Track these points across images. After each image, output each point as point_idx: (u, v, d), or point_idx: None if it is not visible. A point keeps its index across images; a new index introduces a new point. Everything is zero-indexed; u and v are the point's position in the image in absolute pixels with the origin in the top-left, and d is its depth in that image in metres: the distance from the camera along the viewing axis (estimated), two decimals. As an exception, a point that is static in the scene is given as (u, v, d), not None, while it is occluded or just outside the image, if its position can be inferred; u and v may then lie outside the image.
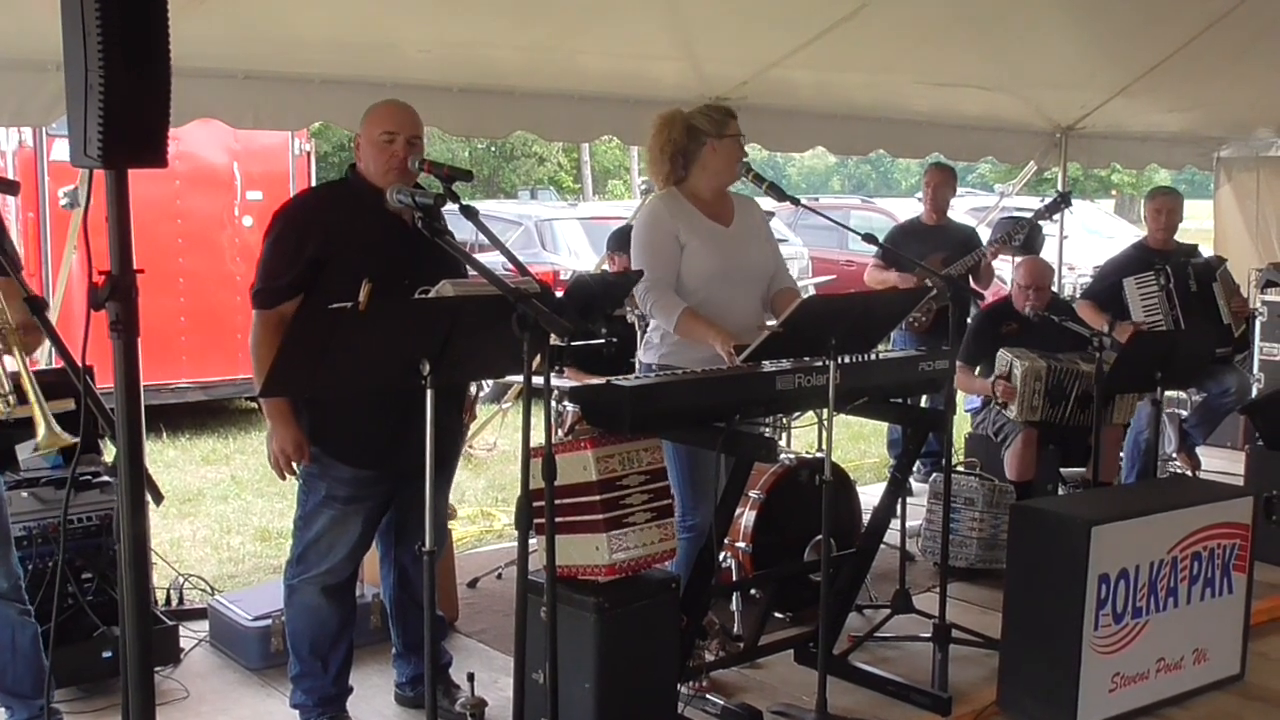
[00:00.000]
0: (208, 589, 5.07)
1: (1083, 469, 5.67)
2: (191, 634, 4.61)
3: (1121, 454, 6.24)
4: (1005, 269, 7.78)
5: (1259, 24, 6.20)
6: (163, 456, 7.93)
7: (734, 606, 4.56)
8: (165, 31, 2.09)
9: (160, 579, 4.89)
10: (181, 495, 7.03)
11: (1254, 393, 7.12)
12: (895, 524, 4.71)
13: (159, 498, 2.36)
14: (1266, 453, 5.81)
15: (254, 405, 8.24)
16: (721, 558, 4.41)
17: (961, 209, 10.33)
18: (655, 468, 3.47)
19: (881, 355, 4.22)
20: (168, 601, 4.88)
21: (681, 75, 5.78)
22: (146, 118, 2.09)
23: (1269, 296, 8.50)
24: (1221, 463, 6.89)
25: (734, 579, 4.62)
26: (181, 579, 5.03)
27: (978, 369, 6.06)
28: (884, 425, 7.22)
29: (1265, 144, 9.29)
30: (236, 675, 4.34)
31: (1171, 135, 8.64)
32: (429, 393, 2.81)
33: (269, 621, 4.33)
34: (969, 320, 6.43)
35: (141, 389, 2.24)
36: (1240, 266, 8.16)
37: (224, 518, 6.70)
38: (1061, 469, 5.95)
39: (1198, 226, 11.28)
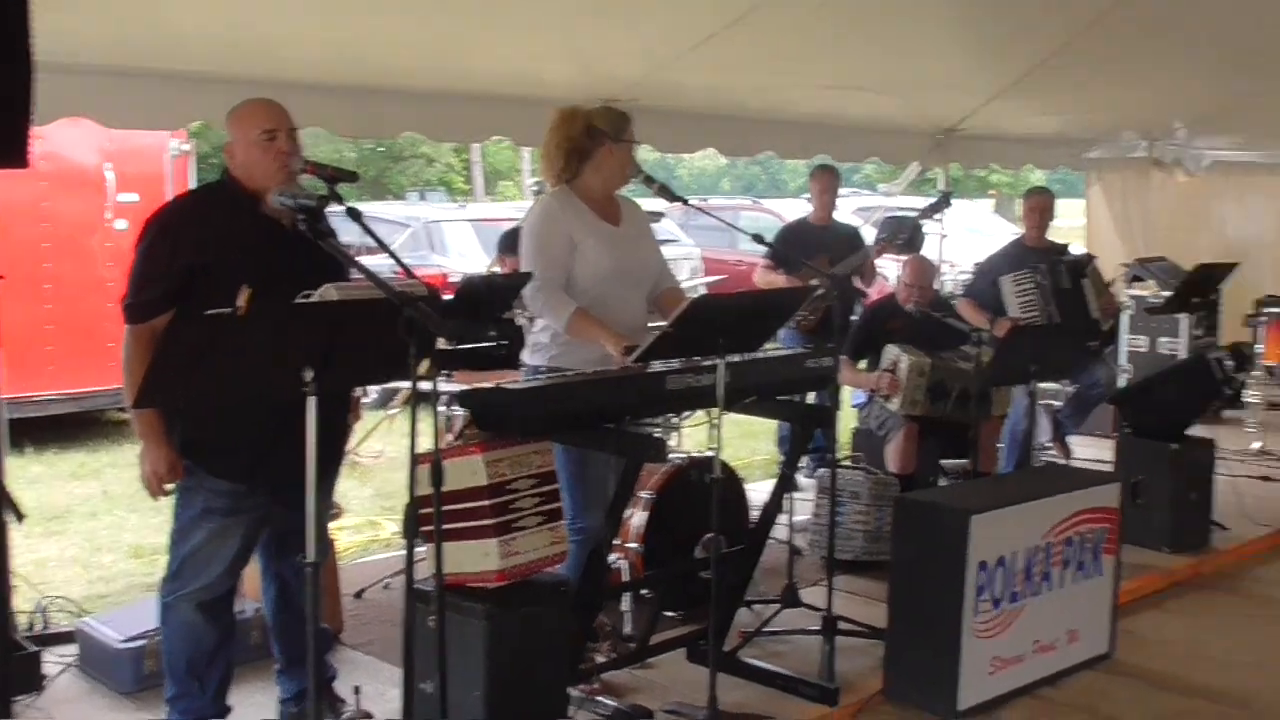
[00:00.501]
0: (75, 611, 4.84)
1: (963, 460, 5.84)
2: (57, 659, 4.38)
3: (1000, 444, 6.43)
4: (889, 267, 7.96)
5: (1123, 34, 6.43)
6: (26, 472, 7.55)
7: (625, 607, 4.57)
8: (26, 25, 2.02)
9: (23, 602, 4.60)
10: (47, 513, 6.75)
11: (1122, 383, 7.40)
12: (783, 519, 4.79)
13: (20, 516, 2.28)
14: (1134, 440, 6.04)
15: (127, 417, 8.02)
16: (612, 559, 4.42)
17: (847, 209, 10.51)
18: (545, 471, 3.47)
19: (769, 353, 4.28)
20: (31, 626, 4.62)
21: (572, 76, 5.78)
22: (5, 116, 2.02)
23: (1136, 291, 8.86)
24: (1092, 450, 7.15)
25: (625, 580, 4.64)
26: (46, 601, 4.77)
27: (863, 364, 6.19)
28: (773, 423, 7.32)
29: (1131, 146, 9.64)
30: (107, 700, 4.16)
31: (1045, 137, 8.90)
32: (311, 400, 2.75)
33: (143, 642, 4.16)
34: (854, 318, 6.57)
35: (1, 401, 2.17)
36: (1110, 263, 8.48)
37: (94, 535, 6.48)
38: (942, 461, 6.11)
39: (1071, 225, 11.66)
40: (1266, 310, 9.39)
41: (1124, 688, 4.39)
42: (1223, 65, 7.62)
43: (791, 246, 6.58)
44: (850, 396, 6.56)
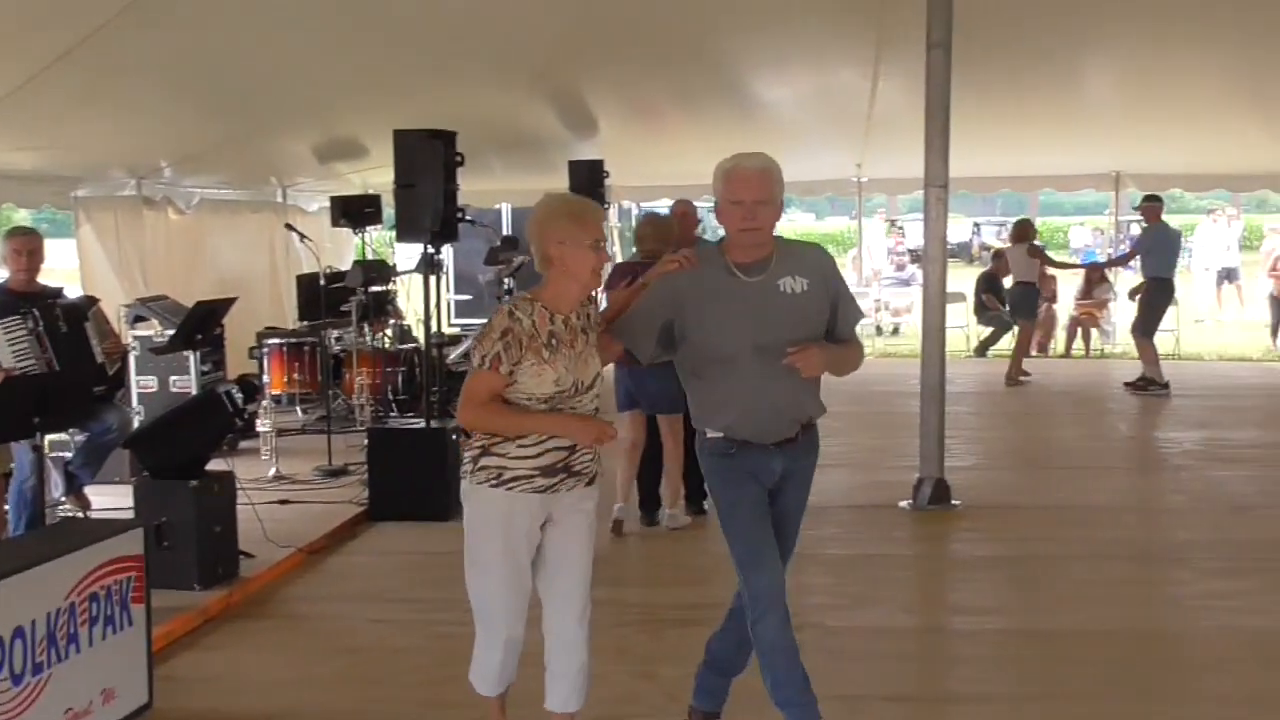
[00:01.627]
0: None
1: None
2: None
3: (5, 506, 5.85)
4: None
5: (100, 68, 6.26)
6: None
7: None
8: None
9: None
10: None
11: (135, 425, 7.21)
12: None
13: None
14: (152, 482, 5.90)
15: None
16: None
17: None
18: None
19: None
20: None
21: None
22: None
23: (140, 331, 8.72)
24: (112, 499, 6.86)
25: None
26: None
27: None
28: None
29: (120, 184, 9.50)
30: None
31: (26, 173, 8.35)
32: None
33: None
34: None
35: None
36: (110, 303, 8.23)
37: None
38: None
39: (64, 266, 11.13)
40: (268, 341, 9.91)
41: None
42: (201, 108, 7.85)
43: None
44: None
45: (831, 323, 3.79)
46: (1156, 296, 11.70)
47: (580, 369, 3.61)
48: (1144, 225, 11.99)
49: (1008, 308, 13.99)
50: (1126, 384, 11.86)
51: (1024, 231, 13.05)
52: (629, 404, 6.67)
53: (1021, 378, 12.55)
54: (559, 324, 3.59)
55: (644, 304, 3.79)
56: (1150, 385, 11.65)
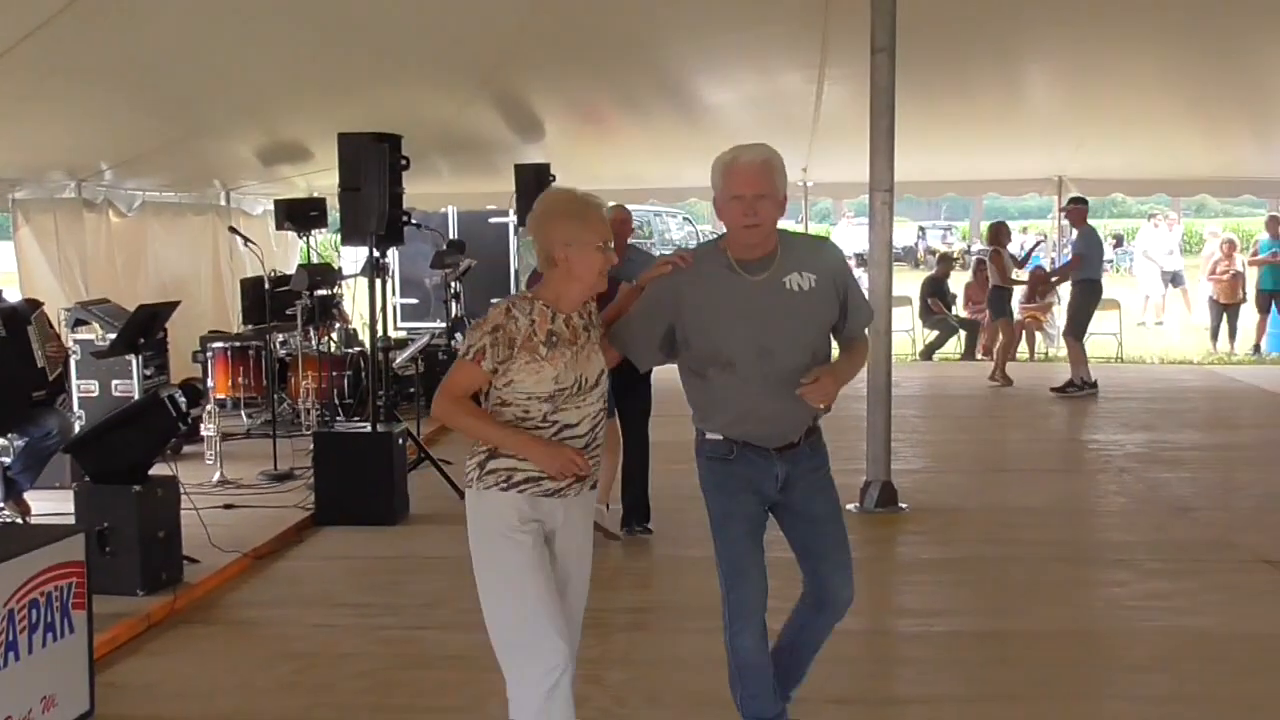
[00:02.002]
0: None
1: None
2: None
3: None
4: None
5: (39, 68, 6.17)
6: None
7: None
8: None
9: None
10: None
11: (76, 430, 7.10)
12: None
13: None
14: (94, 487, 5.81)
15: None
16: None
17: None
18: None
19: None
20: None
21: None
22: None
23: (81, 335, 8.59)
24: (53, 504, 6.75)
25: None
26: None
27: None
28: None
29: (60, 186, 9.35)
30: None
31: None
32: None
33: None
34: None
35: None
36: (51, 307, 8.10)
37: None
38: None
39: (2, 269, 10.95)
40: (212, 345, 9.79)
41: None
42: (143, 109, 7.75)
43: None
44: None
45: (840, 322, 3.64)
46: (1088, 298, 11.85)
47: (583, 365, 3.37)
48: (1076, 228, 12.03)
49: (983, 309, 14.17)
50: (1053, 389, 11.97)
51: (997, 235, 13.16)
52: None
53: (1000, 381, 12.62)
54: (559, 323, 3.37)
55: (640, 309, 3.59)
56: (1072, 386, 11.80)
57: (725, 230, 3.60)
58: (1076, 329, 11.91)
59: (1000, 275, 12.93)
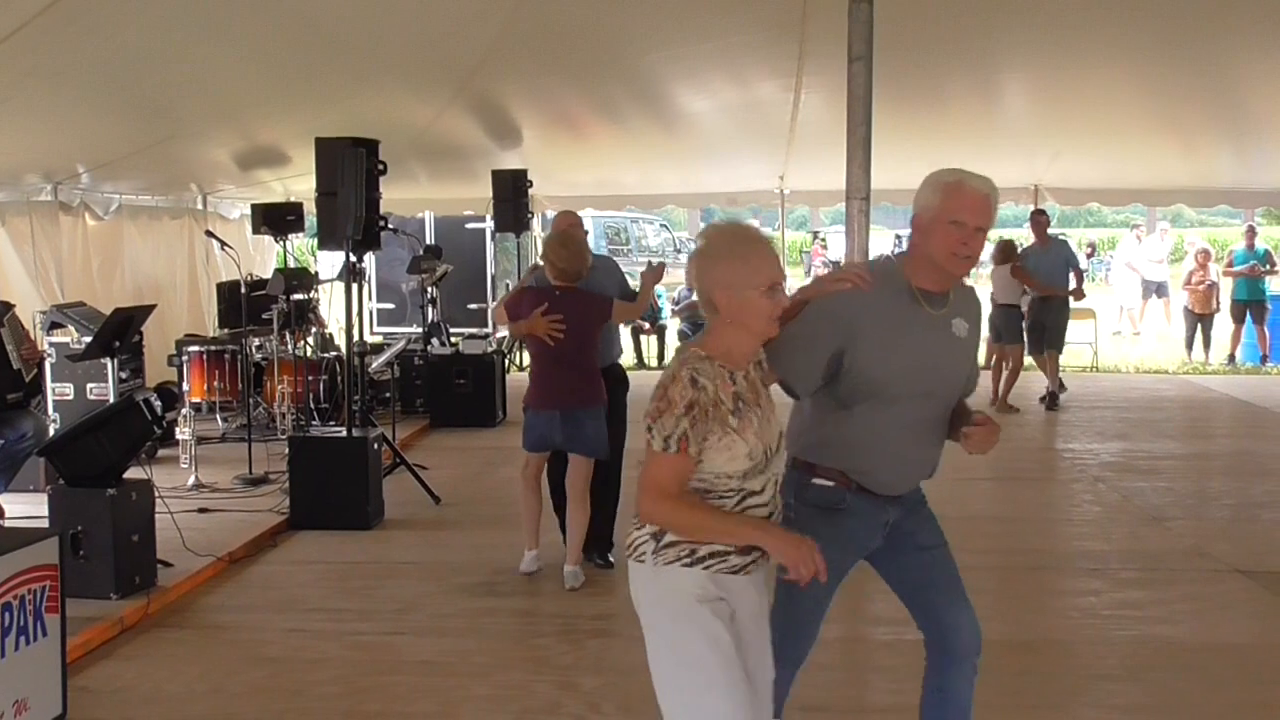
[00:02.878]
0: None
1: None
2: None
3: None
4: None
5: (15, 71, 6.14)
6: None
7: None
8: None
9: None
10: None
11: (51, 433, 7.07)
12: None
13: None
14: (68, 490, 5.79)
15: None
16: None
17: None
18: None
19: None
20: None
21: None
22: None
23: (56, 338, 8.55)
24: (27, 507, 6.72)
25: None
26: None
27: None
28: None
29: (36, 189, 9.30)
30: None
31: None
32: None
33: None
34: None
35: None
36: (26, 310, 8.07)
37: None
38: None
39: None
40: (188, 349, 9.75)
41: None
42: (120, 113, 7.72)
43: None
44: None
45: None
46: (1066, 311, 11.86)
47: (768, 433, 2.94)
48: (1039, 239, 11.78)
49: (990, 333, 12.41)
50: (1041, 399, 12.04)
51: (1007, 252, 11.87)
52: (541, 446, 6.02)
53: (1007, 409, 11.62)
54: (740, 382, 2.91)
55: (806, 329, 3.16)
56: (1055, 395, 11.87)
57: (915, 252, 3.24)
58: (1059, 342, 11.85)
59: (1037, 286, 11.59)
